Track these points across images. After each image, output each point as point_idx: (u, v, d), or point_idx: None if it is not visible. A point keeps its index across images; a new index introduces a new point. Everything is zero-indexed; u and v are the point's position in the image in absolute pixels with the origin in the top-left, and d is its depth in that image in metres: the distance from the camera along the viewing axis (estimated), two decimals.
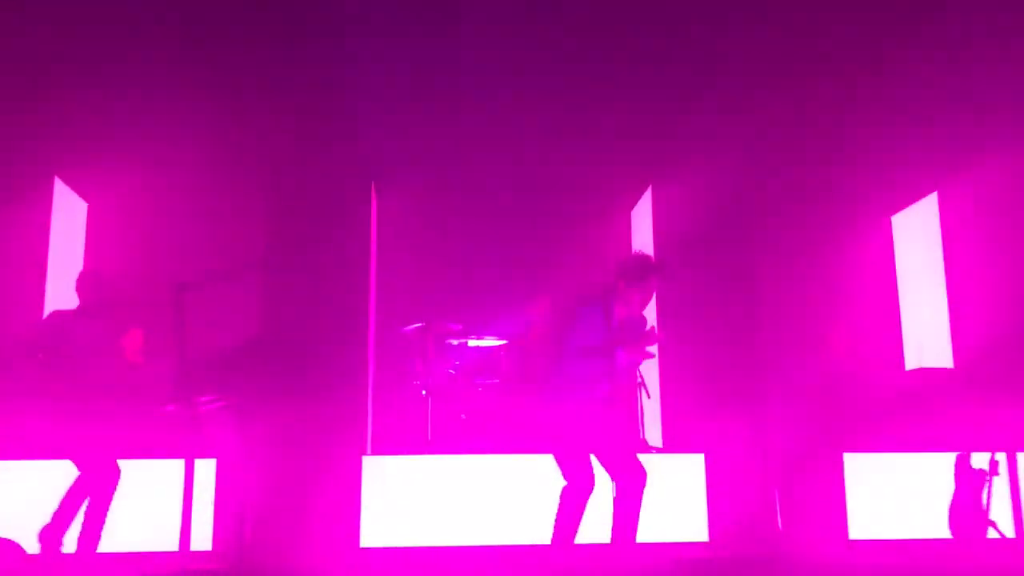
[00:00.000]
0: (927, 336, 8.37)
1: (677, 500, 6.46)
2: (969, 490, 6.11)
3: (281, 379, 6.55)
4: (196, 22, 6.38)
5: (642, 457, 4.89)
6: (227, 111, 7.08)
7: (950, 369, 7.90)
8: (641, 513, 4.75)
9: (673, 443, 7.20)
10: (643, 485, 4.74)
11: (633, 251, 6.59)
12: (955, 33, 6.38)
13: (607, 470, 4.81)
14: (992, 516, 6.07)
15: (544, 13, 6.29)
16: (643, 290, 4.94)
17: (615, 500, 4.77)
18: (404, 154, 7.78)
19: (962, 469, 6.22)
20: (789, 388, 6.80)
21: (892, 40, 6.43)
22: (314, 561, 5.77)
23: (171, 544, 6.03)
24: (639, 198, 8.53)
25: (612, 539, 4.76)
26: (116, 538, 6.04)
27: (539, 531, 6.37)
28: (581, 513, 4.77)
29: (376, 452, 6.82)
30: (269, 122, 7.10)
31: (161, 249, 8.13)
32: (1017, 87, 6.82)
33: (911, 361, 8.47)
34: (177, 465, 6.19)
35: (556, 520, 4.79)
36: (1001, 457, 6.22)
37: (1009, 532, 6.16)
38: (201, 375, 5.58)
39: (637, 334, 4.90)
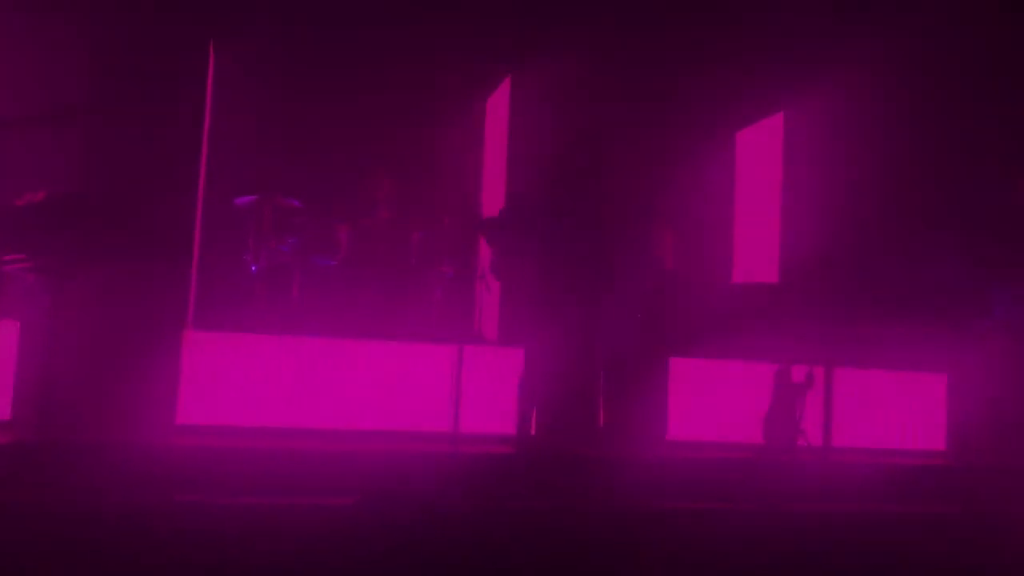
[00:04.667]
0: (757, 251, 8.69)
1: (509, 393, 6.49)
2: (784, 400, 6.41)
3: (98, 242, 6.04)
4: None
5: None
6: None
7: (775, 284, 8.22)
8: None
9: (507, 336, 7.19)
10: None
11: None
12: None
13: None
14: (802, 427, 6.40)
15: None
16: None
17: None
18: (249, 13, 7.22)
19: (780, 380, 6.51)
20: (623, 290, 6.86)
21: None
22: (125, 435, 5.45)
23: None
24: (497, 88, 8.31)
25: None
26: None
27: (367, 415, 6.32)
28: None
29: (199, 328, 6.48)
30: None
31: None
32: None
33: (739, 274, 8.78)
34: None
35: None
36: (818, 372, 6.53)
37: (816, 442, 6.51)
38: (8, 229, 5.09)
39: None
